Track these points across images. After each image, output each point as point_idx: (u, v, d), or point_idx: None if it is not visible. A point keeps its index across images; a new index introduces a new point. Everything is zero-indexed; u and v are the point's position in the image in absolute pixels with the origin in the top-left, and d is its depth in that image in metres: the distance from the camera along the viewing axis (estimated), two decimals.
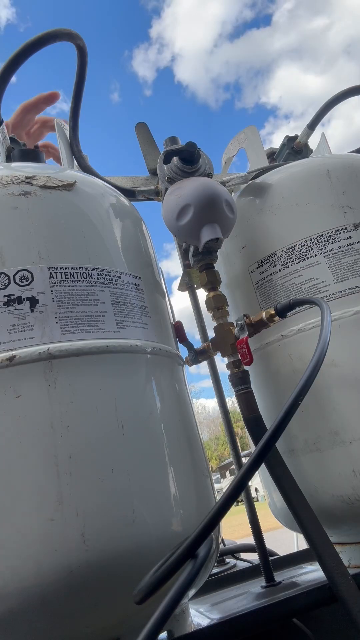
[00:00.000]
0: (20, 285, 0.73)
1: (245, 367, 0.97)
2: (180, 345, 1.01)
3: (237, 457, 1.08)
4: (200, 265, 1.03)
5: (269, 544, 1.01)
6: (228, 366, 0.97)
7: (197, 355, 1.05)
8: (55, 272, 0.76)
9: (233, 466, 1.36)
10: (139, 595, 0.51)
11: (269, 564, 0.99)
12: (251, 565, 1.25)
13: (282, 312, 0.91)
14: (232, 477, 0.61)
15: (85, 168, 1.10)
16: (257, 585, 1.01)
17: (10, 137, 1.13)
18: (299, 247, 1.03)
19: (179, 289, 1.19)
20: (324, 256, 1.00)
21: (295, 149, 1.37)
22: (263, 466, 0.93)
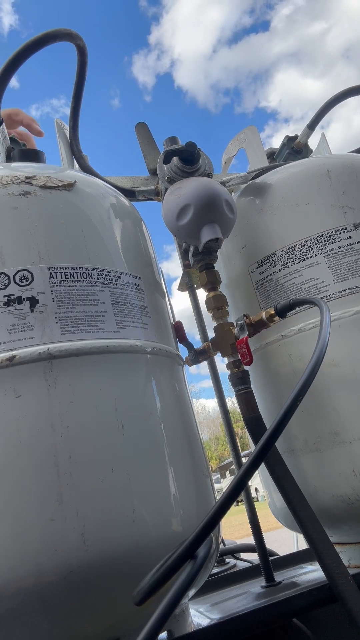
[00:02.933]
0: (20, 285, 0.73)
1: (245, 367, 0.97)
2: (180, 345, 1.01)
3: (237, 457, 1.08)
4: (200, 265, 1.03)
5: (269, 544, 1.01)
6: (228, 366, 0.97)
7: (197, 355, 1.05)
8: (55, 272, 0.76)
9: (233, 466, 1.36)
10: (138, 596, 0.51)
11: (269, 564, 0.99)
12: (251, 565, 1.25)
13: (282, 312, 0.91)
14: (232, 477, 0.61)
15: (85, 168, 1.10)
16: (257, 585, 1.01)
17: (10, 137, 1.13)
18: (299, 247, 1.03)
19: (179, 289, 1.19)
20: (324, 256, 1.00)
21: (295, 149, 1.37)
22: (263, 466, 0.93)
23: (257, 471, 0.64)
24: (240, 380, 0.95)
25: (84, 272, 0.78)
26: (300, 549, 1.31)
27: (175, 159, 1.04)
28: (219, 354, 1.00)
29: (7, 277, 0.73)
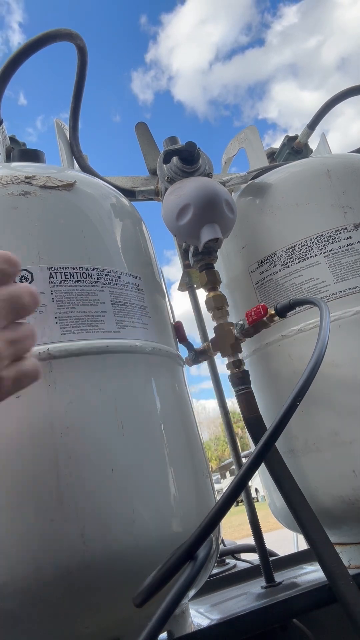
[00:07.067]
0: None
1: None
2: (181, 345, 1.01)
3: (237, 457, 1.08)
4: (200, 265, 1.03)
5: (269, 544, 1.01)
6: (228, 366, 0.97)
7: (197, 356, 1.05)
8: (55, 272, 0.76)
9: (233, 466, 1.36)
10: (138, 598, 0.51)
11: (269, 565, 0.99)
12: (251, 565, 1.25)
13: (282, 312, 0.91)
14: (232, 477, 0.61)
15: (85, 168, 1.10)
16: (257, 586, 1.01)
17: (9, 137, 1.13)
18: (299, 247, 1.03)
19: (179, 289, 1.18)
20: (324, 256, 1.00)
21: (295, 148, 1.37)
22: (263, 466, 0.93)
23: (257, 471, 0.64)
24: (241, 380, 0.95)
25: (83, 272, 0.78)
26: (300, 550, 1.31)
27: (175, 159, 1.03)
28: (219, 354, 1.00)
29: None
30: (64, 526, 0.62)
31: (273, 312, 0.91)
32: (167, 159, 1.02)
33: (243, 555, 1.48)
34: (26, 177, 0.82)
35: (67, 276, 0.76)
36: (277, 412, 0.62)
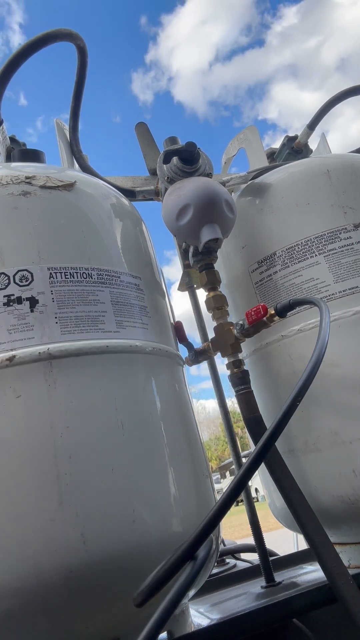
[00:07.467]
0: (20, 286, 0.73)
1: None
2: (181, 345, 1.01)
3: (237, 457, 1.08)
4: (200, 265, 1.03)
5: (269, 544, 1.01)
6: (228, 366, 0.97)
7: (197, 355, 1.05)
8: (55, 272, 0.76)
9: (233, 466, 1.36)
10: (139, 597, 0.51)
11: (269, 564, 0.99)
12: (251, 565, 1.25)
13: (282, 312, 0.91)
14: (232, 477, 0.61)
15: (85, 168, 1.10)
16: (257, 586, 1.01)
17: (10, 137, 1.13)
18: (299, 247, 1.03)
19: (178, 289, 1.19)
20: (324, 256, 1.00)
21: (295, 149, 1.37)
22: (263, 466, 0.93)
23: (257, 471, 0.64)
24: (240, 380, 0.95)
25: (83, 272, 0.78)
26: (300, 549, 1.31)
27: (175, 159, 1.04)
28: (219, 354, 1.00)
29: (7, 277, 0.73)
30: (64, 526, 0.62)
31: (273, 312, 0.91)
32: (167, 159, 1.02)
33: (243, 555, 1.48)
34: (26, 177, 0.82)
35: (67, 276, 0.76)
36: (276, 412, 0.62)
